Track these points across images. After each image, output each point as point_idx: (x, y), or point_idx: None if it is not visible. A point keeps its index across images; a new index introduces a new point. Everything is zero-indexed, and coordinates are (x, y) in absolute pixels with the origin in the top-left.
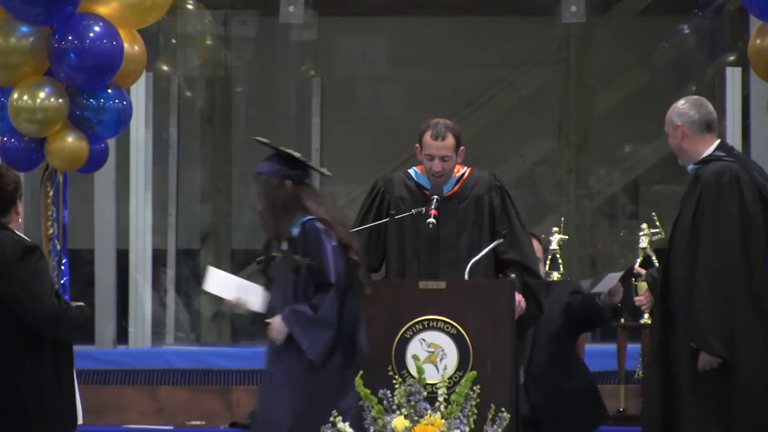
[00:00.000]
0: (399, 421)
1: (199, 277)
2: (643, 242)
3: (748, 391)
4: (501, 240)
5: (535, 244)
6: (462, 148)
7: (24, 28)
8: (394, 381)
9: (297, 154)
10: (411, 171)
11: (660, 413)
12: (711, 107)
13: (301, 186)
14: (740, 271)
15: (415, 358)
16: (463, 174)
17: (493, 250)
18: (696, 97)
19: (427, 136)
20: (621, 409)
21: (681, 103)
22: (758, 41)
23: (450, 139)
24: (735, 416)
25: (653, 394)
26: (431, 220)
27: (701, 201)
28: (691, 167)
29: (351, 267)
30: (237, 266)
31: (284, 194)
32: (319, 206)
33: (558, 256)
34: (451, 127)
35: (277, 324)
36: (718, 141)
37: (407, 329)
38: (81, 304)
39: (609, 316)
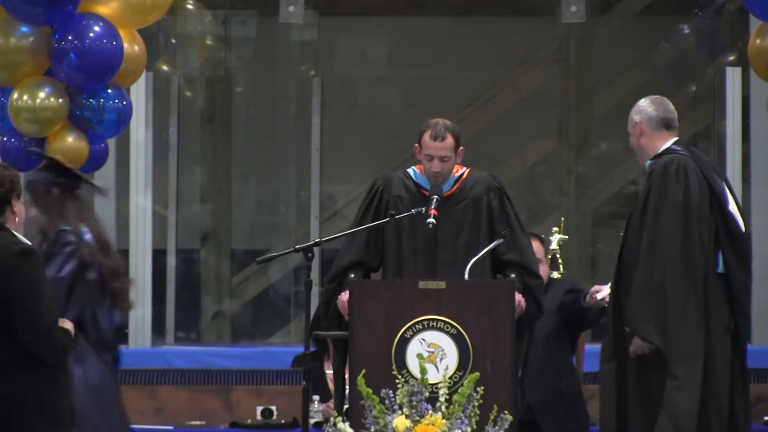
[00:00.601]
0: (400, 421)
1: (199, 277)
2: None
3: (672, 378)
4: (501, 240)
5: (537, 244)
6: (461, 148)
7: (24, 28)
8: (397, 381)
9: (69, 165)
10: (410, 170)
11: (615, 411)
12: (671, 106)
13: (68, 195)
14: (679, 258)
15: (420, 356)
16: (462, 174)
17: (492, 251)
18: (657, 96)
19: (427, 137)
20: None
21: (641, 102)
22: (758, 41)
23: (449, 140)
24: (664, 406)
25: (609, 392)
26: (431, 220)
27: (650, 191)
28: (648, 163)
29: (81, 285)
30: (237, 266)
31: (50, 201)
32: (80, 220)
33: (558, 256)
34: (450, 128)
35: None
36: (676, 138)
37: (407, 329)
38: (67, 326)
39: (596, 317)
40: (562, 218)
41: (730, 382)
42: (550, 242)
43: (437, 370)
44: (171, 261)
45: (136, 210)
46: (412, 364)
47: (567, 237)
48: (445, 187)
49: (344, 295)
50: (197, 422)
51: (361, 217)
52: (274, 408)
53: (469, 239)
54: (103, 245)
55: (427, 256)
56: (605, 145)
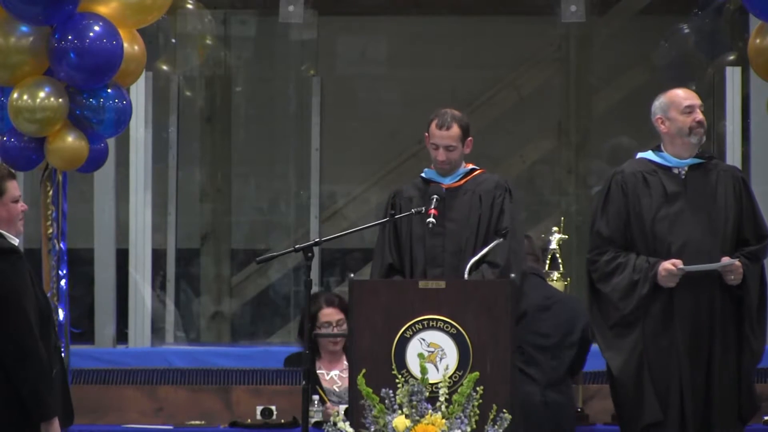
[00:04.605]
0: (400, 421)
1: (199, 276)
2: None
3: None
4: (500, 240)
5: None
6: (470, 138)
7: (24, 28)
8: (397, 381)
9: None
10: (424, 172)
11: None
12: None
13: None
14: None
15: (420, 356)
16: (473, 170)
17: (473, 245)
18: None
19: (434, 125)
20: None
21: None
22: (758, 41)
23: (455, 129)
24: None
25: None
26: (431, 219)
27: (749, 192)
28: (694, 160)
29: None
30: (237, 266)
31: None
32: None
33: (558, 255)
34: (457, 118)
35: None
36: None
37: (407, 329)
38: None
39: None
40: (562, 218)
41: None
42: (550, 242)
43: (437, 369)
44: (171, 261)
45: (136, 210)
46: (412, 364)
47: (567, 237)
48: (453, 178)
49: None
50: (197, 422)
51: (381, 229)
52: (273, 408)
53: (473, 230)
54: None
55: (434, 244)
56: (605, 145)
